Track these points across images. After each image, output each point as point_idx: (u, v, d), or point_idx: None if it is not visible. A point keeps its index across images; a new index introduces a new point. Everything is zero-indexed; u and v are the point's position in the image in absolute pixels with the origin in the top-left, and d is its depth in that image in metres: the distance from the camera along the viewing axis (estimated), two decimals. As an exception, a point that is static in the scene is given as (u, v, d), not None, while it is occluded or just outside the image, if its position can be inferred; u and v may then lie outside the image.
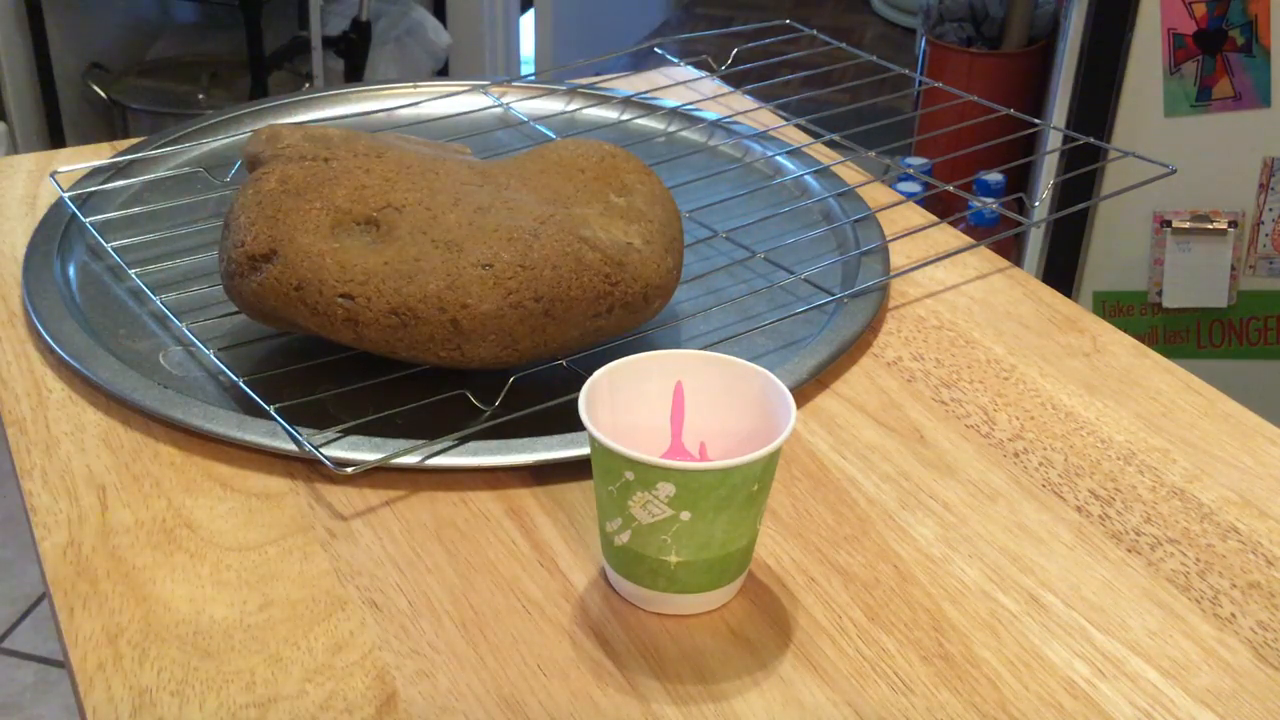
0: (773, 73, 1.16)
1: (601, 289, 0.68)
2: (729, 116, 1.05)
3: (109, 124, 2.49)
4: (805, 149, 1.00)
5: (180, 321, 0.75)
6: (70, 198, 0.87)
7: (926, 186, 1.52)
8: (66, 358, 0.71)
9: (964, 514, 0.64)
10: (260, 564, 0.59)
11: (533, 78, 1.10)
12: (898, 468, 0.67)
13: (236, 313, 0.75)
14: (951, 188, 0.98)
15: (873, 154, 1.02)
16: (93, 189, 0.89)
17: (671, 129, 1.04)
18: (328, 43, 2.49)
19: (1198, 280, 1.92)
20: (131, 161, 0.93)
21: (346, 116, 1.04)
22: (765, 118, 1.07)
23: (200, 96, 2.47)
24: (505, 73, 2.98)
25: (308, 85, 2.48)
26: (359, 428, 0.66)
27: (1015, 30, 2.45)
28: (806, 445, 0.68)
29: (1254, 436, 0.70)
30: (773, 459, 0.54)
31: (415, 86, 1.07)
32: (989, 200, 1.01)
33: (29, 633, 1.75)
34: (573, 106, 1.07)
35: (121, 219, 0.87)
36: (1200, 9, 1.80)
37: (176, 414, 0.67)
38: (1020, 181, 2.13)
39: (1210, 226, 1.89)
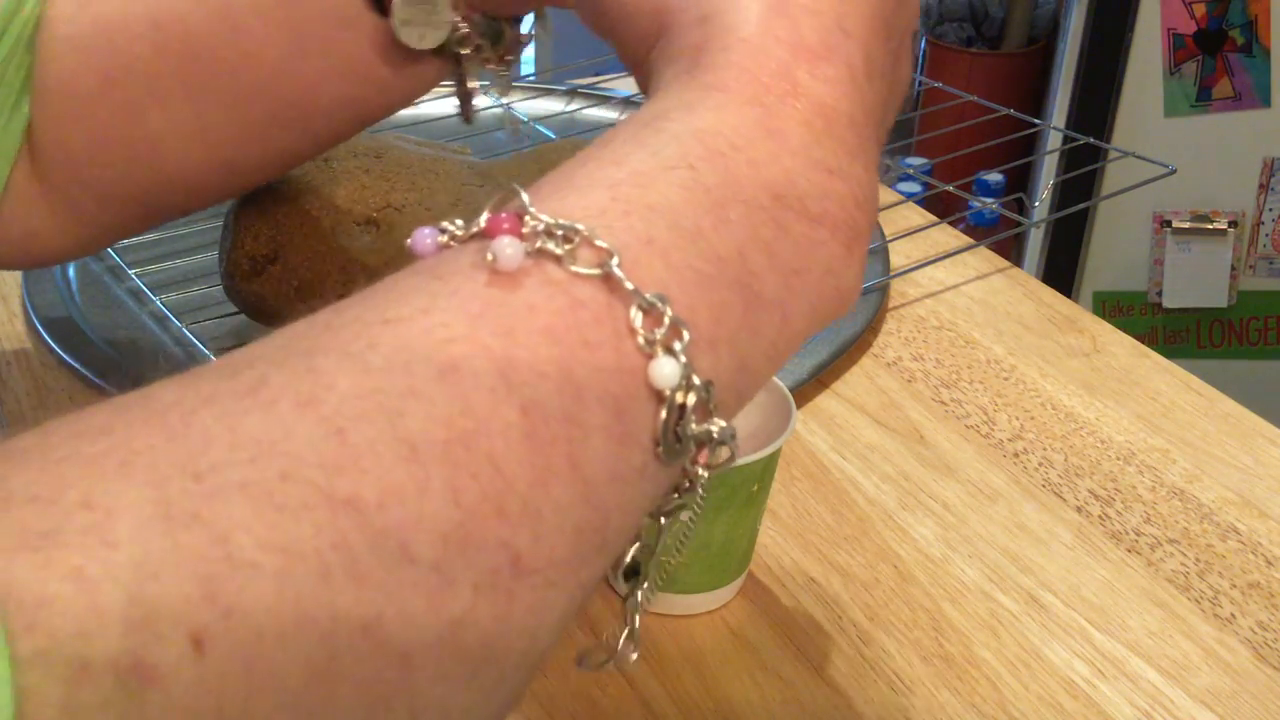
0: (773, 73, 1.15)
1: (601, 289, 0.68)
2: (729, 116, 1.04)
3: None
4: (805, 149, 1.00)
5: (180, 321, 0.75)
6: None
7: (926, 186, 1.52)
8: (66, 358, 0.71)
9: (964, 514, 0.64)
10: (260, 564, 0.59)
11: (533, 77, 1.10)
12: (898, 468, 0.67)
13: (236, 313, 0.74)
14: (951, 188, 0.98)
15: (873, 154, 1.02)
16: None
17: (671, 129, 1.04)
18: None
19: (1198, 280, 1.92)
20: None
21: (346, 116, 1.03)
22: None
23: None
24: (505, 73, 2.97)
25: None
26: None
27: (1015, 30, 2.45)
28: (806, 445, 0.68)
29: (1254, 436, 0.70)
30: (773, 459, 0.54)
31: (415, 86, 1.07)
32: (989, 200, 1.01)
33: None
34: (573, 106, 1.07)
35: (121, 219, 0.87)
36: (1200, 9, 1.80)
37: (176, 414, 0.67)
38: (1020, 181, 2.13)
39: (1210, 226, 1.89)
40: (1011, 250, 1.99)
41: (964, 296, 0.83)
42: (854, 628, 0.57)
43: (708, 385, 0.28)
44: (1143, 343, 0.79)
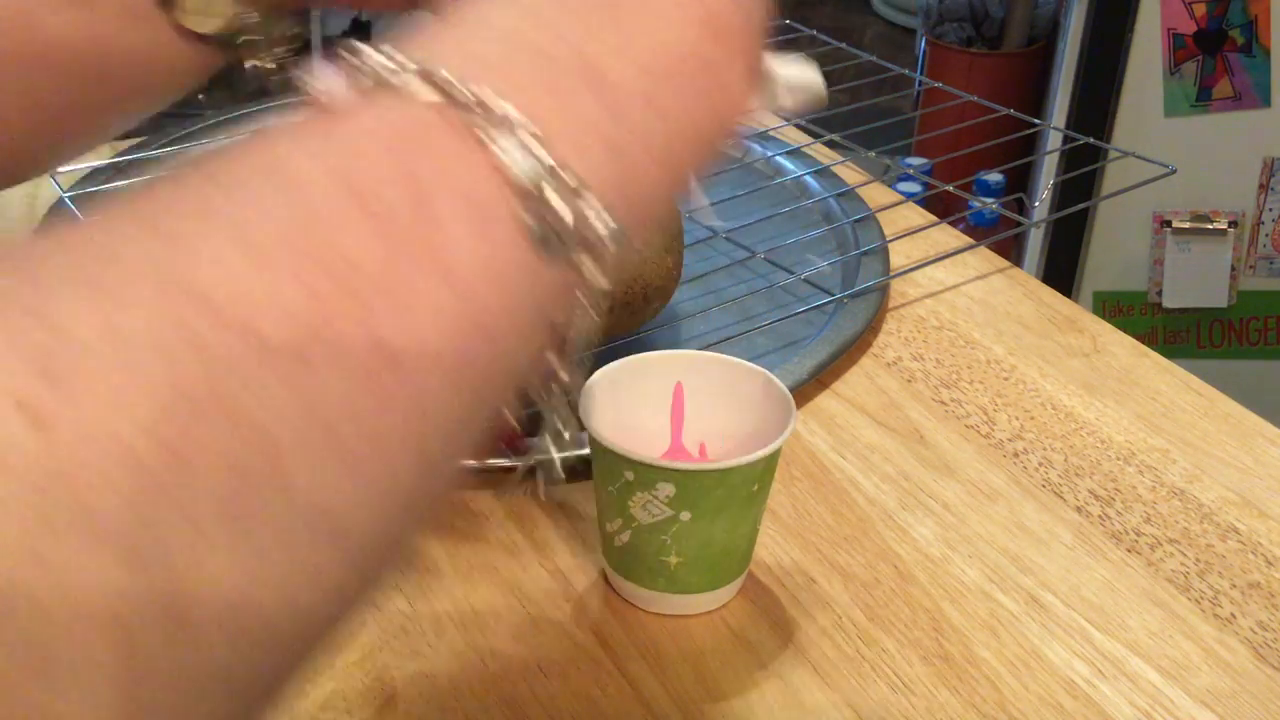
0: (773, 73, 1.15)
1: (601, 289, 0.68)
2: (729, 116, 1.04)
3: (109, 124, 2.48)
4: (805, 149, 1.00)
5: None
6: (71, 198, 0.87)
7: (926, 186, 1.52)
8: (66, 358, 0.71)
9: (964, 514, 0.64)
10: (260, 564, 0.59)
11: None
12: (898, 468, 0.67)
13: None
14: (951, 188, 0.98)
15: (873, 154, 1.02)
16: (93, 189, 0.89)
17: (671, 129, 1.03)
18: (327, 43, 2.49)
19: (1198, 280, 1.92)
20: (132, 162, 0.93)
21: (346, 117, 1.03)
22: (765, 118, 1.07)
23: (200, 97, 2.47)
24: (505, 73, 2.97)
25: (308, 85, 2.48)
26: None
27: (1015, 30, 2.46)
28: (806, 445, 0.68)
29: (1254, 436, 0.70)
30: (773, 459, 0.54)
31: (415, 86, 1.07)
32: (989, 200, 1.01)
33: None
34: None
35: (121, 219, 0.87)
36: (1200, 9, 1.80)
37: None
38: (1020, 181, 2.13)
39: (1210, 226, 1.89)
40: (1011, 250, 1.99)
41: (964, 296, 0.83)
42: (854, 628, 0.57)
43: (567, 169, 0.27)
44: (1143, 343, 0.79)
